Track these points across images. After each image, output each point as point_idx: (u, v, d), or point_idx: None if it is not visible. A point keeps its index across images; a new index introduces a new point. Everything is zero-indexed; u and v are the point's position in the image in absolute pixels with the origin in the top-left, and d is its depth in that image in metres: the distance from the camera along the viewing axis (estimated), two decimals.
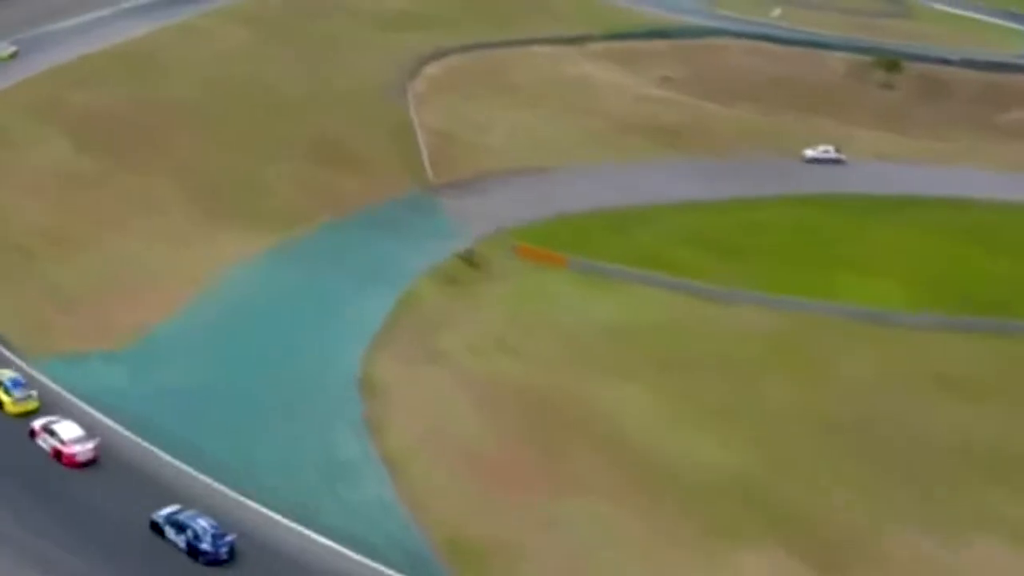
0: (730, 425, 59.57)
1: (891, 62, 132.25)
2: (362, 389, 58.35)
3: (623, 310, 72.80)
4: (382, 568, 43.21)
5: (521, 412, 57.87)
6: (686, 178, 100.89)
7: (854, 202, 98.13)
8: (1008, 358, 69.06)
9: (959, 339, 71.30)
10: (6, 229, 70.82)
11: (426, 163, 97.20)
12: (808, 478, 55.88)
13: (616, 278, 77.77)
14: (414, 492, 49.47)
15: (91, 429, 48.88)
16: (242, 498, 46.33)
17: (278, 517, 45.69)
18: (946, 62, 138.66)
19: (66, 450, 46.95)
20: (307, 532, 44.95)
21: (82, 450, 47.14)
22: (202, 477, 47.36)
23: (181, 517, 43.07)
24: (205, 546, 41.90)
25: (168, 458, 48.29)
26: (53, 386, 53.30)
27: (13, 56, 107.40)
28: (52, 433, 47.69)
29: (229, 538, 42.27)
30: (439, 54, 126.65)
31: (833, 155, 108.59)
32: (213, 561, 41.87)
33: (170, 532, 42.83)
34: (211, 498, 45.82)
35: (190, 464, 47.70)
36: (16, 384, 51.16)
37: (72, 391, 52.88)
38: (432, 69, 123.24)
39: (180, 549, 42.44)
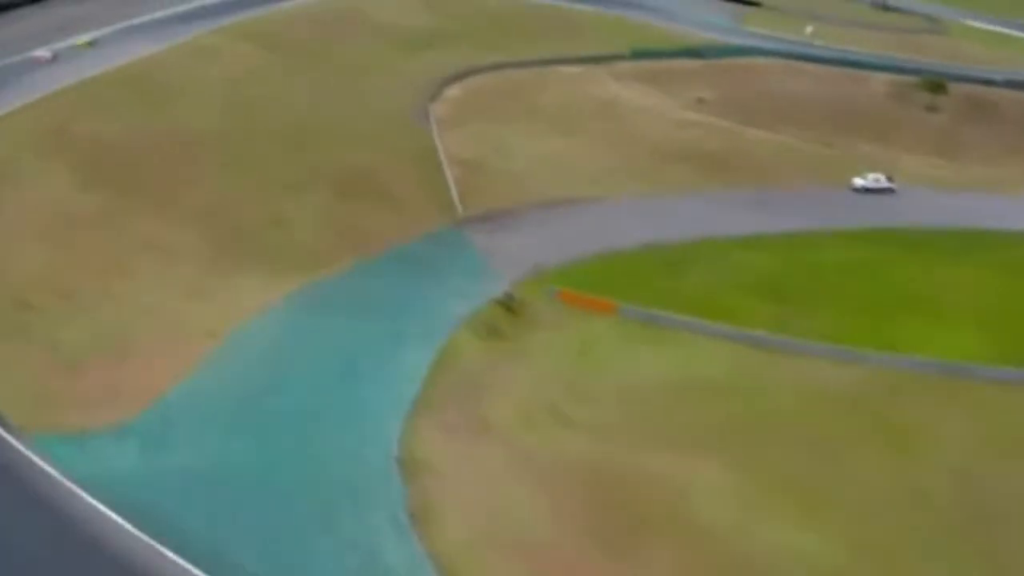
0: (814, 504, 53.33)
1: (936, 83, 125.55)
2: (404, 471, 51.16)
3: (684, 366, 66.01)
4: None
5: (583, 497, 51.34)
6: (733, 211, 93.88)
7: (914, 237, 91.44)
8: None
9: None
10: (3, 280, 63.85)
11: (454, 194, 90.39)
12: (906, 567, 48.74)
13: (671, 327, 70.96)
14: None
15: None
16: None
17: None
18: (990, 83, 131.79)
19: None
20: None
21: None
22: None
23: None
24: None
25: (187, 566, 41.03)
26: (55, 473, 45.94)
27: (91, 44, 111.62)
28: None
29: None
30: (461, 74, 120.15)
31: (885, 184, 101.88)
32: None
33: None
34: None
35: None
36: None
37: (76, 478, 45.62)
38: (454, 90, 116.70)
39: None
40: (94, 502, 45.49)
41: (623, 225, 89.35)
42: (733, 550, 49.59)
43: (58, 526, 44.73)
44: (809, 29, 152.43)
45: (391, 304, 71.32)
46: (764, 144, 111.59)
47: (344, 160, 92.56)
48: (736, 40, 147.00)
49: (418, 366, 61.94)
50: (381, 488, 50.20)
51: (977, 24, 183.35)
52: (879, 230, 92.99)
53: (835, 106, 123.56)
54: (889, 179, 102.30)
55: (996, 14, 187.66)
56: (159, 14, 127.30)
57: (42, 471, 47.44)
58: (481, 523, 48.20)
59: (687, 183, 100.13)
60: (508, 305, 71.35)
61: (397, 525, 47.58)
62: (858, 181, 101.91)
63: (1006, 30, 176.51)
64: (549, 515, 49.49)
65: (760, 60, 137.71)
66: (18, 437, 49.48)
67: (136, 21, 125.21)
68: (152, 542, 43.32)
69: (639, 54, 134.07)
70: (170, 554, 42.64)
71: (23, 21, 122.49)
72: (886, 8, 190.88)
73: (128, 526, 44.46)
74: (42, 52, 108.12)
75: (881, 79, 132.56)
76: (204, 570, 42.01)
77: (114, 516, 45.08)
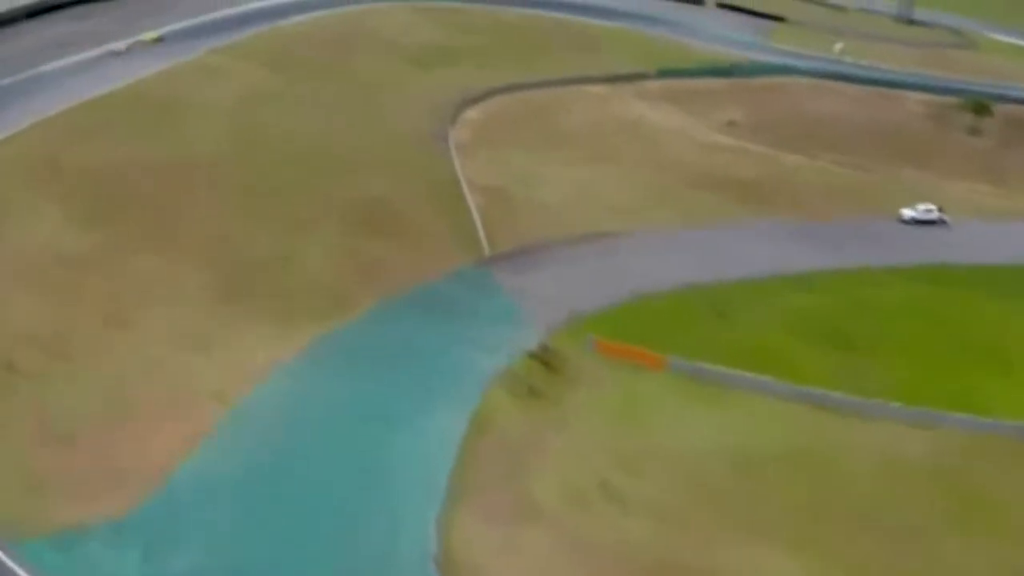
0: None
1: (979, 104, 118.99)
2: (443, 573, 44.09)
3: (742, 431, 59.32)
4: None
5: None
6: (776, 245, 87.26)
7: (974, 276, 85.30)
8: None
9: None
10: None
11: (478, 228, 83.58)
12: None
13: (724, 383, 64.00)
14: None
15: None
16: None
17: None
18: None
19: None
20: None
21: None
22: None
23: None
24: None
25: None
26: None
27: (158, 41, 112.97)
28: None
29: None
30: (480, 96, 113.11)
31: (935, 215, 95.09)
32: None
33: None
34: None
35: None
36: None
37: None
38: (473, 113, 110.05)
39: None
40: None
41: (660, 262, 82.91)
42: None
43: None
44: (838, 46, 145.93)
45: (416, 358, 64.59)
46: (801, 170, 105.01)
47: (359, 189, 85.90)
48: (764, 57, 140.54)
49: (450, 435, 55.29)
50: None
51: (1003, 38, 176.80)
52: (937, 267, 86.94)
53: (872, 128, 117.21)
54: (940, 210, 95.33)
55: (1020, 27, 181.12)
56: (164, 30, 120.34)
57: None
58: None
59: (724, 213, 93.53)
60: (544, 358, 64.60)
61: None
62: (907, 212, 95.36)
63: None
64: None
65: (790, 79, 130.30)
66: (3, 542, 42.23)
67: (140, 38, 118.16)
68: None
69: (665, 73, 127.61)
70: None
71: (22, 37, 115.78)
72: (910, 21, 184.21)
73: None
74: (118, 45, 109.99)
75: (917, 99, 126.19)
76: None
77: None
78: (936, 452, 58.92)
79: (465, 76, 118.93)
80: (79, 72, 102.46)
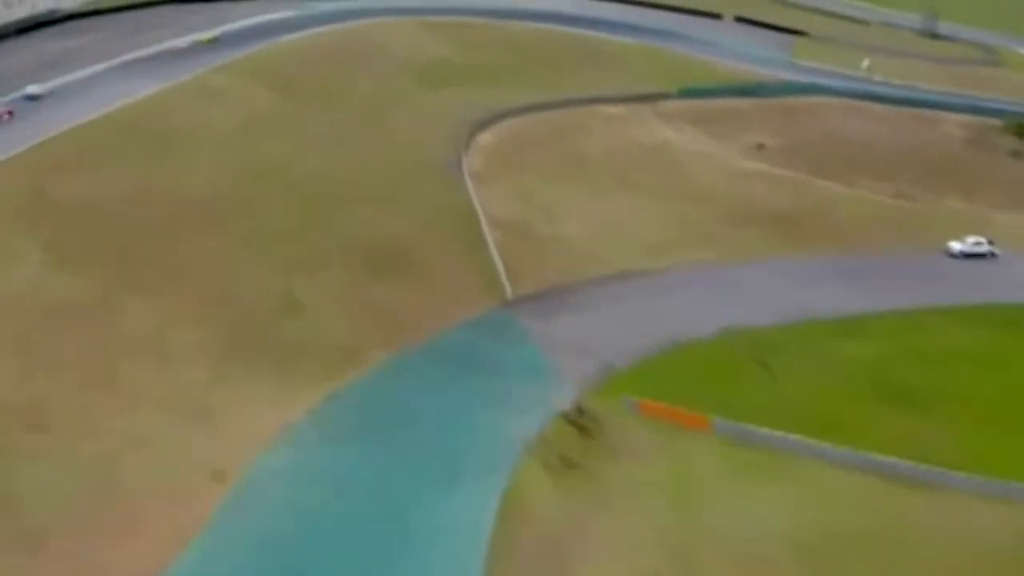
0: None
1: (1021, 126, 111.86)
2: None
3: (802, 510, 52.78)
4: None
5: None
6: (818, 283, 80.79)
7: None
8: None
9: None
10: None
11: (499, 268, 76.78)
12: None
13: (780, 450, 57.19)
14: None
15: None
16: None
17: None
18: None
19: None
20: None
21: None
22: None
23: None
24: None
25: None
26: None
27: (213, 41, 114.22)
28: None
29: None
30: (493, 118, 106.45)
31: (985, 248, 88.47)
32: None
33: None
34: None
35: None
36: None
37: None
38: (487, 137, 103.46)
39: None
40: None
41: (696, 304, 76.24)
42: None
43: None
44: (866, 63, 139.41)
45: (436, 421, 57.99)
46: (838, 199, 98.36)
47: (368, 226, 79.37)
48: (788, 75, 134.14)
49: (480, 521, 48.91)
50: None
51: None
52: (992, 307, 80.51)
53: (909, 153, 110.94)
54: (990, 242, 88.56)
55: None
56: (160, 47, 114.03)
57: None
58: None
59: (760, 248, 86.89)
60: (579, 423, 57.90)
61: None
62: (955, 245, 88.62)
63: None
64: None
65: (818, 99, 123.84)
66: None
67: (134, 55, 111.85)
68: None
69: (687, 92, 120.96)
70: None
71: (10, 55, 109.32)
72: (934, 36, 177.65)
73: None
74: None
75: (955, 120, 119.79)
76: None
77: None
78: (1021, 532, 51.75)
79: (477, 96, 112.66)
80: (68, 94, 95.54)
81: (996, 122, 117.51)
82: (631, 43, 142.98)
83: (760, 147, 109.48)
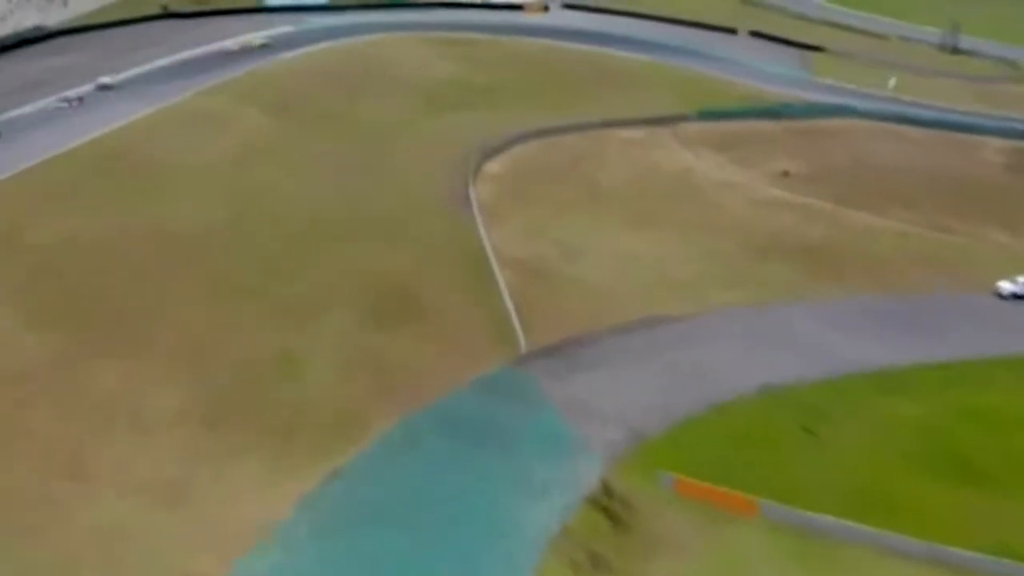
0: None
1: None
2: None
3: None
4: None
5: None
6: (860, 329, 73.96)
7: None
8: None
9: None
10: None
11: (512, 314, 69.48)
12: None
13: (837, 539, 50.10)
14: None
15: None
16: None
17: None
18: None
19: None
20: None
21: None
22: None
23: None
24: None
25: None
26: None
27: (263, 47, 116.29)
28: None
29: None
30: (503, 144, 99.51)
31: None
32: None
33: None
34: None
35: None
36: None
37: None
38: (497, 166, 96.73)
39: None
40: None
41: (729, 356, 69.24)
42: None
43: None
44: (892, 81, 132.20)
45: (445, 511, 51.21)
46: (873, 232, 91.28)
47: (370, 267, 72.66)
48: (810, 94, 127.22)
49: None
50: None
51: None
52: None
53: (945, 180, 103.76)
54: None
55: None
56: (151, 66, 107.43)
57: None
58: None
59: (792, 286, 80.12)
60: (608, 508, 50.76)
61: None
62: (1006, 286, 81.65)
63: None
64: None
65: (845, 121, 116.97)
66: None
67: (124, 75, 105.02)
68: None
69: (707, 114, 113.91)
70: None
71: None
72: (955, 50, 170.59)
73: None
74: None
75: (994, 145, 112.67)
76: None
77: None
78: None
79: (485, 120, 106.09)
80: (50, 120, 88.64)
81: None
82: (644, 60, 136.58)
83: (785, 174, 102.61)
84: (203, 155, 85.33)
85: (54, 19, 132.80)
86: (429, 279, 73.47)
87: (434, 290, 72.38)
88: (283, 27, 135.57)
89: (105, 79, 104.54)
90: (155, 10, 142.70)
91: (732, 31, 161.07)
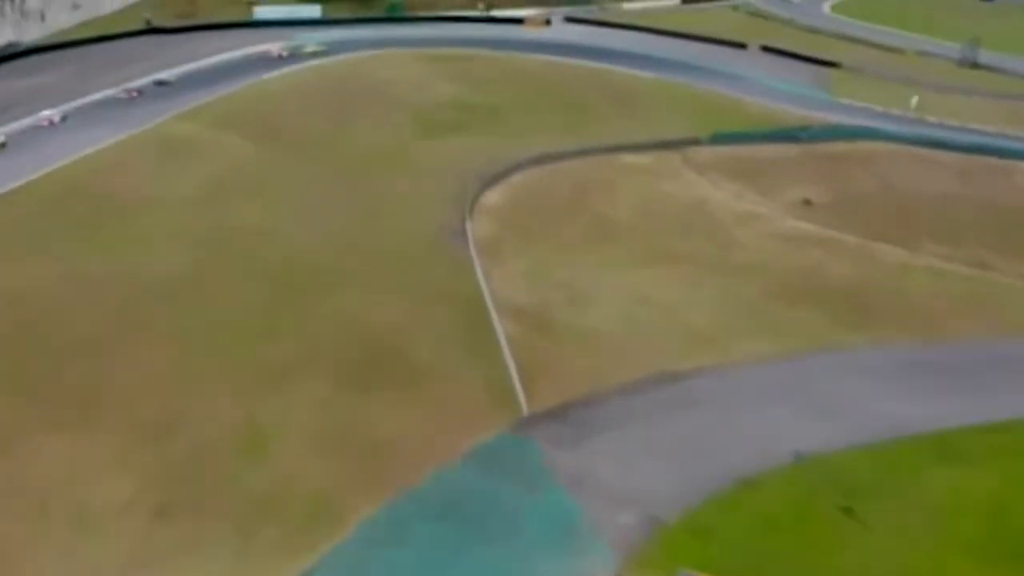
0: None
1: None
2: None
3: None
4: None
5: None
6: (900, 385, 66.69)
7: None
8: None
9: None
10: None
11: (512, 373, 61.62)
12: None
13: None
14: None
15: None
16: None
17: None
18: None
19: None
20: None
21: None
22: None
23: None
24: None
25: None
26: None
27: (317, 54, 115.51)
28: None
29: None
30: (502, 171, 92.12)
31: None
32: None
33: None
34: None
35: None
36: None
37: None
38: (495, 196, 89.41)
39: None
40: None
41: (756, 419, 61.74)
42: None
43: None
44: (914, 100, 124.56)
45: None
46: (906, 270, 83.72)
47: (352, 320, 65.18)
48: (828, 113, 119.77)
49: None
50: None
51: None
52: None
53: (984, 211, 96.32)
54: None
55: None
56: (127, 85, 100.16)
57: None
58: None
59: (822, 334, 72.54)
60: None
61: None
62: None
63: None
64: None
65: (869, 144, 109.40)
66: None
67: (95, 97, 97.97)
68: None
69: (720, 137, 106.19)
70: None
71: None
72: (975, 65, 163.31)
73: None
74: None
75: None
76: None
77: None
78: None
79: (483, 144, 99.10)
80: (8, 149, 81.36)
81: None
82: (649, 77, 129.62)
83: (807, 203, 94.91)
84: (170, 188, 77.78)
85: (32, 35, 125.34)
86: (419, 333, 65.81)
87: (425, 346, 64.70)
88: (272, 43, 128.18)
89: (162, 75, 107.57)
90: (138, 25, 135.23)
91: (742, 46, 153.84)
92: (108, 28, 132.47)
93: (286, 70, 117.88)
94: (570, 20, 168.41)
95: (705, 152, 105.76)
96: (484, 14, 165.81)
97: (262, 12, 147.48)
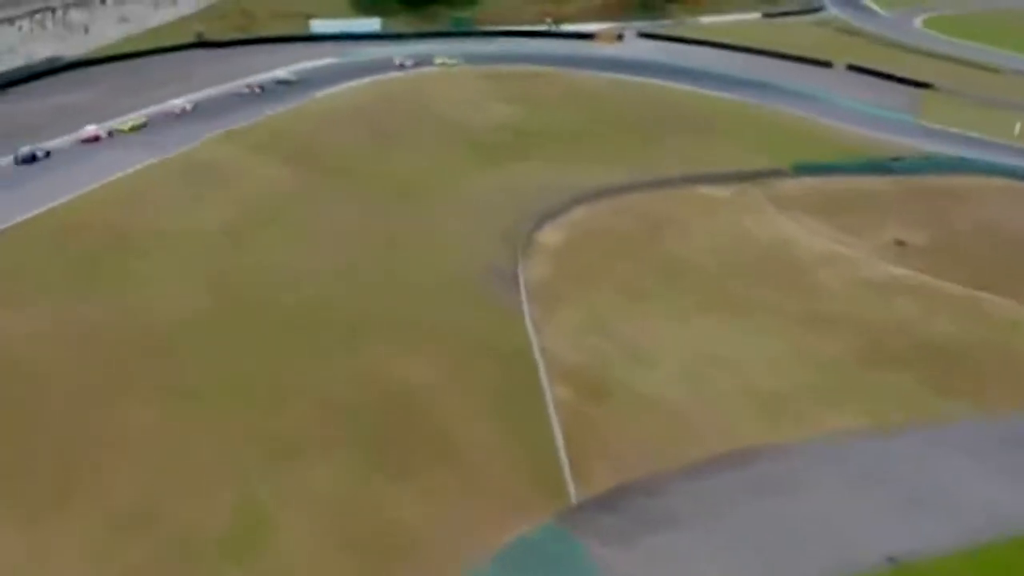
0: None
1: None
2: None
3: None
4: None
5: None
6: (1009, 472, 55.35)
7: None
8: None
9: None
10: None
11: (561, 451, 52.74)
12: None
13: None
14: None
15: None
16: None
17: None
18: None
19: None
20: None
21: None
22: None
23: None
24: None
25: None
26: None
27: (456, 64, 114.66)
28: None
29: None
30: (562, 205, 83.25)
31: None
32: None
33: None
34: None
35: None
36: None
37: None
38: (553, 234, 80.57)
39: None
40: None
41: (841, 509, 53.38)
42: None
43: None
44: (1019, 127, 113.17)
45: None
46: (1016, 327, 73.17)
47: (377, 376, 57.36)
48: (922, 141, 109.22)
49: None
50: None
51: None
52: None
53: None
54: None
55: None
56: (167, 105, 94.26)
57: None
58: None
59: (920, 404, 62.83)
60: None
61: None
62: None
63: None
64: None
65: (973, 178, 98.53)
66: None
67: (132, 115, 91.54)
68: None
69: (805, 168, 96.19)
70: None
71: None
72: None
73: None
74: None
75: None
76: None
77: None
78: None
79: (542, 173, 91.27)
80: (30, 173, 75.27)
81: None
82: (728, 98, 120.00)
83: (900, 244, 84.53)
84: (193, 221, 70.39)
85: (76, 49, 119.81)
86: (454, 396, 57.44)
87: (459, 412, 56.32)
88: (326, 59, 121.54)
89: (281, 72, 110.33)
90: (188, 38, 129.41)
91: (827, 64, 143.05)
92: (158, 42, 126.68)
93: (335, 89, 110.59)
94: (644, 35, 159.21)
95: (789, 185, 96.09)
96: (553, 28, 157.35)
97: (319, 26, 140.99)
